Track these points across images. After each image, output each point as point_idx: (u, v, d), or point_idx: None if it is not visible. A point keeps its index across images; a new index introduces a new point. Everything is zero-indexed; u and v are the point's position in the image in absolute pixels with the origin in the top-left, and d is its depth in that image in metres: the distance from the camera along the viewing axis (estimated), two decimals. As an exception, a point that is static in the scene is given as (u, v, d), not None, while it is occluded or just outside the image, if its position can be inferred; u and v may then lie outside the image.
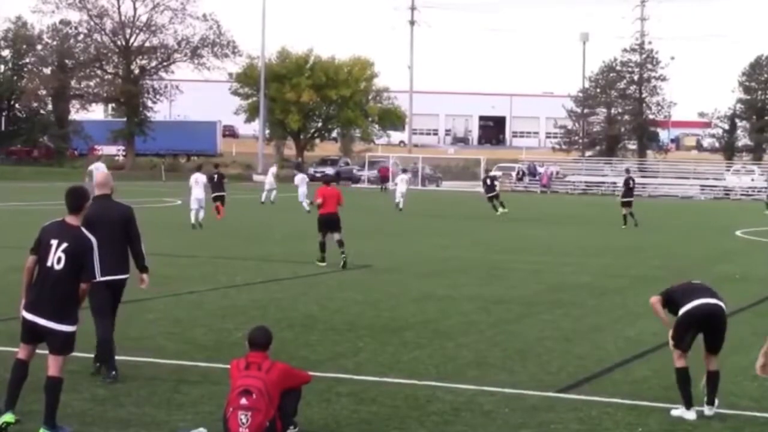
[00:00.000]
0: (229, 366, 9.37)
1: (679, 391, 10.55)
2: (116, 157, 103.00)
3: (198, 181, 35.82)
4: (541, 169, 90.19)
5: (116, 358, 11.65)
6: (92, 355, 11.90)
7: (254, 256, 25.28)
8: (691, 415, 10.44)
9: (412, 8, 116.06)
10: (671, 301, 10.77)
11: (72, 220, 9.37)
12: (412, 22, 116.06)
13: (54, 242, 9.20)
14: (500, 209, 46.49)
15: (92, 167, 51.12)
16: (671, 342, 10.65)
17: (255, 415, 8.77)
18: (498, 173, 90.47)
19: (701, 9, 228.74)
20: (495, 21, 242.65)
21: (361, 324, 15.53)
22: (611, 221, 41.52)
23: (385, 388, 11.29)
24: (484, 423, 10.08)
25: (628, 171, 48.68)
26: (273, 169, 58.59)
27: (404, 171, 59.82)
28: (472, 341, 14.38)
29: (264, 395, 8.82)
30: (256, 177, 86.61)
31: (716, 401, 10.59)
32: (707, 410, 10.56)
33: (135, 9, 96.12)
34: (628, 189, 41.84)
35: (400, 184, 51.83)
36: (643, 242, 32.13)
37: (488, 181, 49.42)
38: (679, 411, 10.51)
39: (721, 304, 10.68)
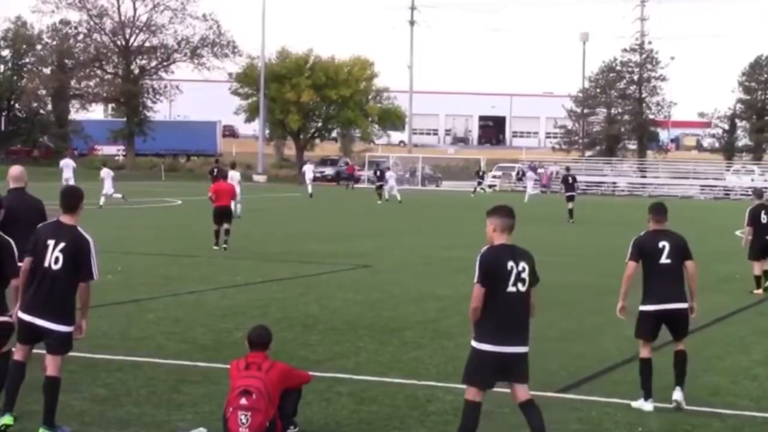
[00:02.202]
0: (228, 366, 9.37)
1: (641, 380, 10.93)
2: (116, 157, 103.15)
3: (233, 178, 38.05)
4: (540, 170, 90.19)
5: (117, 357, 11.65)
6: (90, 355, 11.92)
7: (254, 255, 25.28)
8: (648, 406, 10.73)
9: (412, 8, 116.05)
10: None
11: (67, 219, 9.31)
12: (412, 22, 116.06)
13: (51, 242, 9.15)
14: (380, 200, 57.18)
15: (62, 163, 53.32)
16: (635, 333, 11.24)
17: (255, 415, 8.76)
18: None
19: (701, 9, 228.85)
20: (495, 21, 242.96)
21: (361, 324, 15.53)
22: (611, 221, 41.58)
23: (385, 388, 11.29)
24: (484, 423, 10.06)
25: (567, 169, 52.11)
26: (312, 166, 67.29)
27: (388, 169, 67.50)
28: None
29: (264, 395, 8.81)
30: (256, 177, 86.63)
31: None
32: (676, 394, 10.65)
33: (135, 9, 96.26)
34: (569, 185, 45.13)
35: (390, 181, 59.92)
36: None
37: (378, 173, 61.94)
38: (637, 402, 10.80)
39: (681, 306, 10.90)
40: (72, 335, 9.22)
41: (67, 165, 52.47)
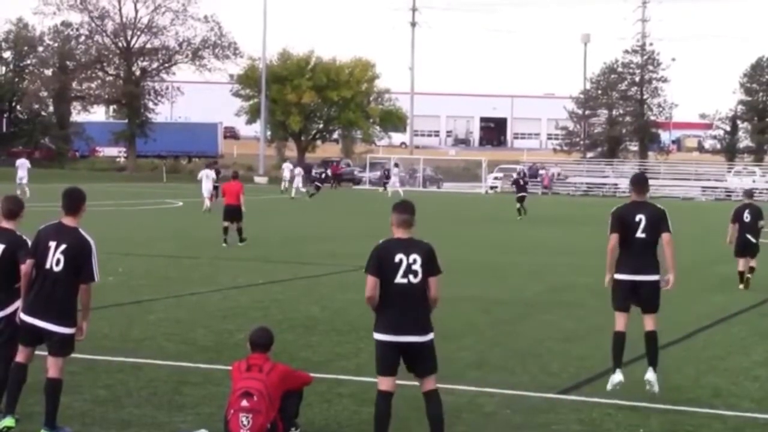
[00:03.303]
0: (230, 367, 9.37)
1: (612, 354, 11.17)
2: (117, 159, 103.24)
3: (208, 176, 43.05)
4: (542, 171, 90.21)
5: (118, 359, 11.67)
6: (91, 356, 11.93)
7: (255, 257, 25.28)
8: (617, 377, 10.98)
9: (413, 9, 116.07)
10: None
11: (69, 221, 9.31)
12: (413, 24, 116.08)
13: (52, 244, 9.15)
14: (291, 196, 60.51)
15: (18, 163, 55.02)
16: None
17: (256, 416, 8.76)
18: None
19: (702, 10, 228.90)
20: (496, 22, 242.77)
21: (362, 325, 15.49)
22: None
23: (386, 389, 11.27)
24: (485, 424, 10.08)
25: (524, 172, 55.78)
26: (293, 168, 68.87)
27: (295, 167, 71.03)
28: (472, 342, 14.37)
29: (265, 397, 8.82)
30: (257, 179, 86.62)
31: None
32: (648, 374, 10.87)
33: (136, 10, 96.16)
34: (520, 186, 46.76)
35: (297, 178, 65.21)
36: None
37: (315, 172, 68.27)
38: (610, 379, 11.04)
39: (651, 278, 11.03)
40: (74, 337, 9.21)
41: (22, 165, 54.57)
